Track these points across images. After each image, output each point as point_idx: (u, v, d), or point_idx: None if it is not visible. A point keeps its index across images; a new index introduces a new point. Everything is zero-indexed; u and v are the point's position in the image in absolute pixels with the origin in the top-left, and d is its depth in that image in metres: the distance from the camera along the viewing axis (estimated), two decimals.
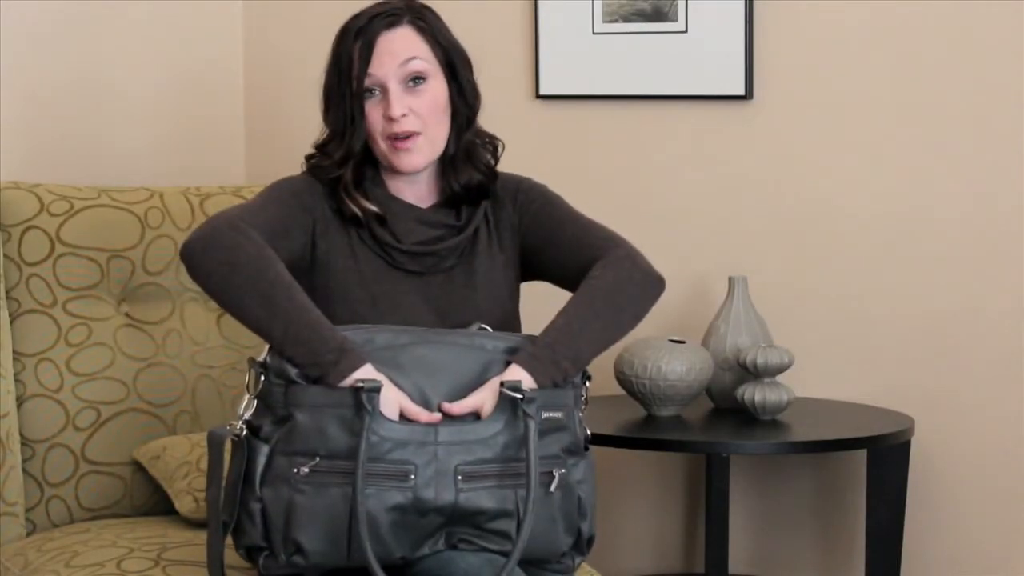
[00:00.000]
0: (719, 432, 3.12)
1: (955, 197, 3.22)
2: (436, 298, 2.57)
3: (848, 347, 3.33)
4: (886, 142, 3.28)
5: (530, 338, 2.44)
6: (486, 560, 2.34)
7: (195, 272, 2.43)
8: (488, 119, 2.65)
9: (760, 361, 3.13)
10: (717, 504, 3.00)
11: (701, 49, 3.37)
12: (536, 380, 2.39)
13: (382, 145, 2.56)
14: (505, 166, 2.68)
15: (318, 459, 2.33)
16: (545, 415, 2.38)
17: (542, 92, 3.54)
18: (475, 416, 2.37)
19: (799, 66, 3.33)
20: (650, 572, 3.55)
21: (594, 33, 3.47)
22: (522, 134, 3.20)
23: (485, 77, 2.64)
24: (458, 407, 2.37)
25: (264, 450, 2.37)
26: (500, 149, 2.66)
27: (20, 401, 2.94)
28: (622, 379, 3.18)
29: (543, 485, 2.37)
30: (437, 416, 2.36)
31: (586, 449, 2.47)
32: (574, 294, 2.50)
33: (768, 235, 3.38)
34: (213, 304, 2.92)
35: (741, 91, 3.35)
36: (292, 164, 2.68)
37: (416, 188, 2.62)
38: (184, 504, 2.87)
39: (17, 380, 2.94)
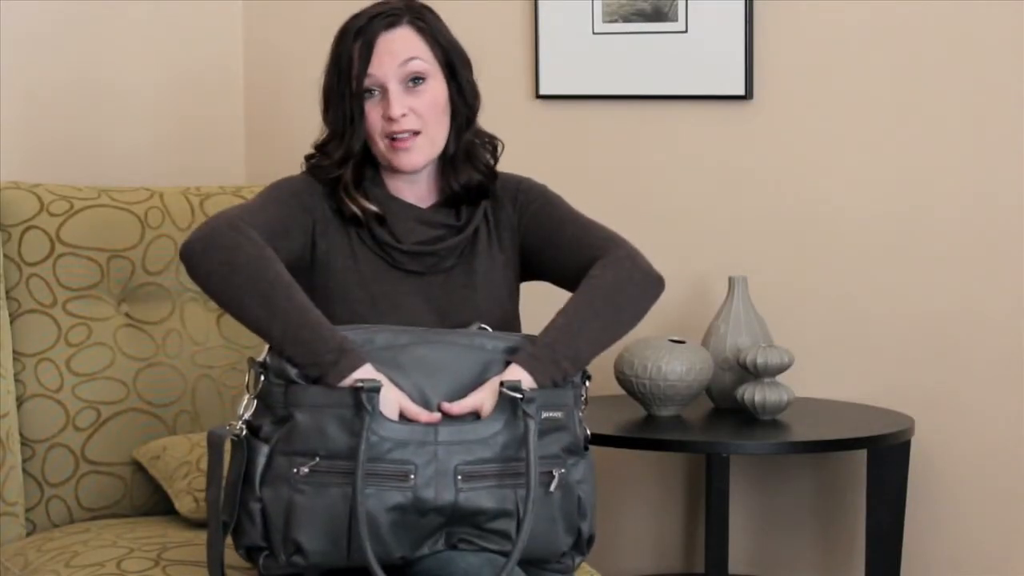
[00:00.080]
0: (719, 432, 3.12)
1: (955, 197, 3.22)
2: (436, 298, 2.57)
3: (848, 347, 3.32)
4: (886, 142, 3.28)
5: (530, 338, 2.44)
6: (486, 560, 2.34)
7: (195, 272, 2.43)
8: (488, 119, 2.65)
9: (760, 361, 3.13)
10: (717, 504, 3.00)
11: (701, 49, 3.37)
12: (536, 380, 2.38)
13: (381, 145, 2.56)
14: (505, 166, 2.67)
15: (318, 459, 2.33)
16: (545, 415, 2.38)
17: (542, 92, 3.54)
18: (475, 416, 2.37)
19: (799, 66, 3.33)
20: (650, 572, 3.55)
21: (594, 33, 3.47)
22: (522, 134, 3.19)
23: (485, 77, 2.64)
24: (458, 407, 2.36)
25: (264, 450, 2.36)
26: (500, 149, 2.66)
27: (20, 401, 2.94)
28: (622, 379, 3.17)
29: (543, 485, 2.37)
30: (437, 416, 2.35)
31: (586, 449, 2.46)
32: (574, 294, 2.50)
33: (768, 235, 3.38)
34: (213, 304, 2.92)
35: (741, 91, 3.35)
36: (292, 164, 2.68)
37: (416, 188, 2.62)
38: (184, 504, 2.87)
39: (17, 380, 2.94)
